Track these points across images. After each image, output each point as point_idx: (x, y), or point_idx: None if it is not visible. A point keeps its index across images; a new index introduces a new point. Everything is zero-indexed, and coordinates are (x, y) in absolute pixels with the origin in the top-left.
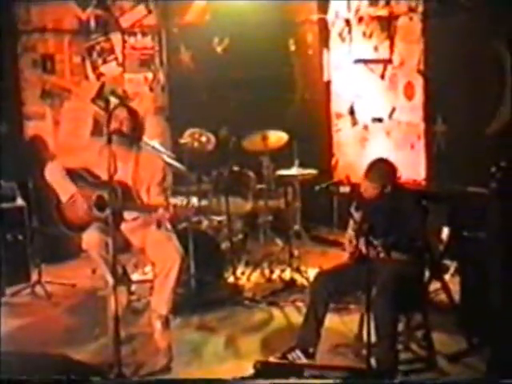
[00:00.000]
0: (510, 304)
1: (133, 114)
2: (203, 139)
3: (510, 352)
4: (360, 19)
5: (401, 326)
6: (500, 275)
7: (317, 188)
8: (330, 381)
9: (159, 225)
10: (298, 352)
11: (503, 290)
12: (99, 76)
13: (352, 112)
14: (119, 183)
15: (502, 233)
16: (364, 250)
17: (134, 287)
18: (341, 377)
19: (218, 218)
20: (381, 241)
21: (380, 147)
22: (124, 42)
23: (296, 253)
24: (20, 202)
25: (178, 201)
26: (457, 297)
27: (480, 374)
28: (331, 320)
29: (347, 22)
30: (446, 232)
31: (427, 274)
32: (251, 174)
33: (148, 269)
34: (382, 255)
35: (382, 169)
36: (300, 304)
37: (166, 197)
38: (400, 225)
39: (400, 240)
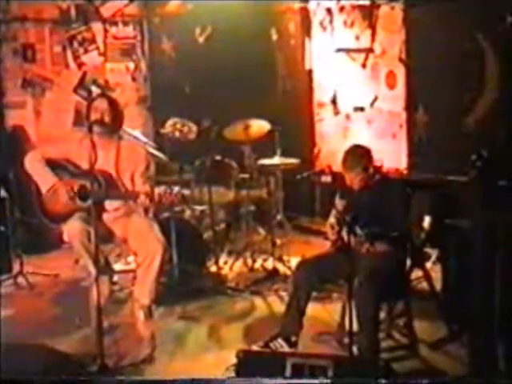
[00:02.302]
0: (491, 291)
1: (113, 104)
2: (185, 129)
3: (489, 340)
4: (341, 8)
5: (383, 314)
6: (480, 263)
7: (298, 177)
8: (316, 381)
9: (146, 210)
10: (281, 340)
11: (484, 278)
12: (80, 65)
13: (334, 101)
14: (101, 173)
15: (482, 221)
16: (346, 239)
17: (116, 277)
18: (323, 365)
19: (201, 208)
20: (364, 231)
21: (362, 136)
22: (105, 31)
23: (278, 242)
24: (1, 192)
25: (162, 191)
26: (438, 284)
27: (460, 362)
28: (314, 308)
29: (329, 11)
30: (427, 220)
31: (409, 262)
32: (233, 163)
33: (131, 259)
34: (365, 246)
35: (356, 154)
36: (282, 293)
37: (150, 186)
38: (383, 215)
39: (383, 230)
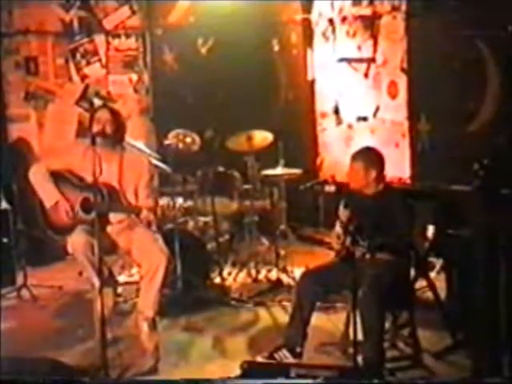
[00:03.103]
0: (495, 301)
1: (115, 114)
2: (188, 140)
3: (494, 348)
4: (343, 19)
5: (387, 324)
6: (484, 272)
7: (301, 187)
8: (319, 380)
9: (149, 224)
10: (285, 351)
11: (488, 287)
12: (83, 78)
13: (336, 111)
14: (105, 185)
15: (485, 230)
16: (350, 249)
17: (120, 289)
18: (328, 375)
19: (204, 219)
20: (367, 242)
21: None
22: (108, 43)
23: (282, 252)
24: (4, 205)
25: (165, 204)
26: (442, 294)
27: (465, 371)
28: (318, 319)
29: (331, 21)
30: (431, 230)
31: (413, 271)
32: (236, 174)
33: (134, 270)
34: (367, 256)
35: (367, 151)
36: (286, 304)
37: (154, 198)
38: (387, 225)
39: (387, 240)
